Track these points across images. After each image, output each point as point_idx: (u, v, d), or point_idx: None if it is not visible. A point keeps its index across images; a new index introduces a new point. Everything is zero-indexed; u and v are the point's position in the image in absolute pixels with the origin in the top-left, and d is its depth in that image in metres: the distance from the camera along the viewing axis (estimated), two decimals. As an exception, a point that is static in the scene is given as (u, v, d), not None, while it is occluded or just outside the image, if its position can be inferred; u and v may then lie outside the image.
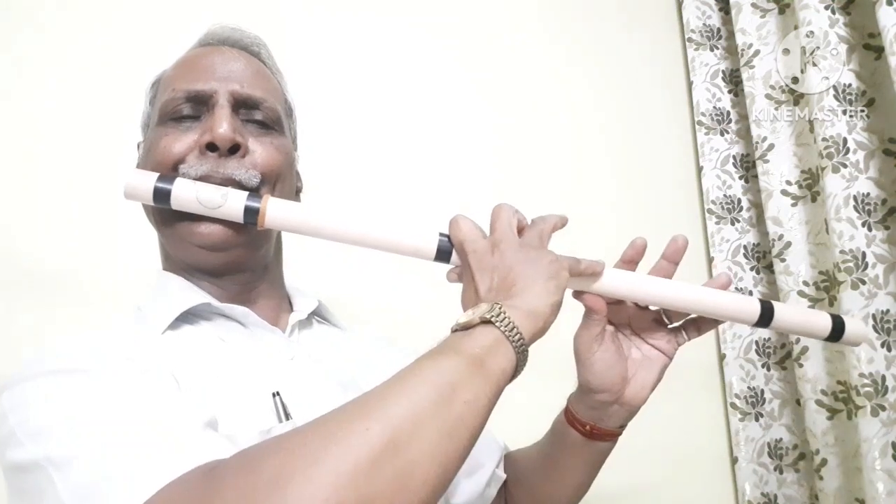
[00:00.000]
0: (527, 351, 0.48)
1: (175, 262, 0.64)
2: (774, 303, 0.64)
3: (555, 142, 1.36)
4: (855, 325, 0.65)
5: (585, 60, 1.43)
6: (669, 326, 0.66)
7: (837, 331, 0.65)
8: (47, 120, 1.06)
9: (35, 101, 1.07)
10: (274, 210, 0.57)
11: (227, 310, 0.61)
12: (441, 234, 0.58)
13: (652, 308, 0.66)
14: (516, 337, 0.46)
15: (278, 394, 0.55)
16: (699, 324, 0.66)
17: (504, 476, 0.76)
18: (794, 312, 0.66)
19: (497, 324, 0.46)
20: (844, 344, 0.67)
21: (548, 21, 1.43)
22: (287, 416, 0.54)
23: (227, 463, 0.37)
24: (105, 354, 0.49)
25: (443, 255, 0.58)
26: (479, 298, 0.52)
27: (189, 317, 0.60)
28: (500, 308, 0.47)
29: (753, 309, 0.63)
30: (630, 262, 0.65)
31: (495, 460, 0.75)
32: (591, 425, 0.66)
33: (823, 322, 0.65)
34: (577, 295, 0.61)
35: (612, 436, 0.67)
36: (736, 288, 1.31)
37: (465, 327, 0.47)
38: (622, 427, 0.67)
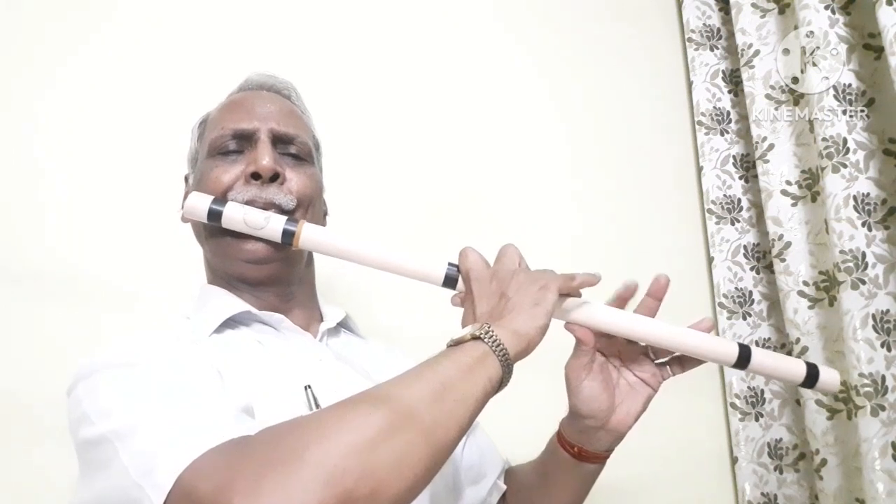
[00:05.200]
0: (511, 366, 0.55)
1: (219, 276, 0.73)
2: (752, 348, 0.69)
3: (555, 142, 1.36)
4: (828, 374, 0.69)
5: (585, 60, 1.43)
6: (655, 362, 0.71)
7: (812, 378, 0.69)
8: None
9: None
10: (307, 233, 0.67)
11: (265, 317, 0.70)
12: (449, 264, 0.66)
13: (641, 343, 0.71)
14: (502, 352, 0.54)
15: (310, 387, 0.62)
16: (683, 362, 0.70)
17: (504, 487, 0.82)
18: (771, 358, 0.70)
19: (485, 340, 0.54)
20: (819, 390, 0.73)
21: (548, 21, 1.43)
22: (317, 406, 0.61)
23: (255, 436, 0.45)
24: (160, 350, 0.58)
25: (449, 281, 0.66)
26: (475, 320, 0.60)
27: (231, 323, 0.68)
28: (489, 327, 0.55)
29: (732, 352, 0.68)
30: (622, 300, 0.69)
31: (497, 472, 0.81)
32: (580, 448, 0.71)
33: (799, 369, 0.69)
34: (568, 326, 0.66)
35: (598, 458, 0.72)
36: (736, 288, 1.31)
37: (459, 342, 0.55)
38: (609, 451, 0.72)
